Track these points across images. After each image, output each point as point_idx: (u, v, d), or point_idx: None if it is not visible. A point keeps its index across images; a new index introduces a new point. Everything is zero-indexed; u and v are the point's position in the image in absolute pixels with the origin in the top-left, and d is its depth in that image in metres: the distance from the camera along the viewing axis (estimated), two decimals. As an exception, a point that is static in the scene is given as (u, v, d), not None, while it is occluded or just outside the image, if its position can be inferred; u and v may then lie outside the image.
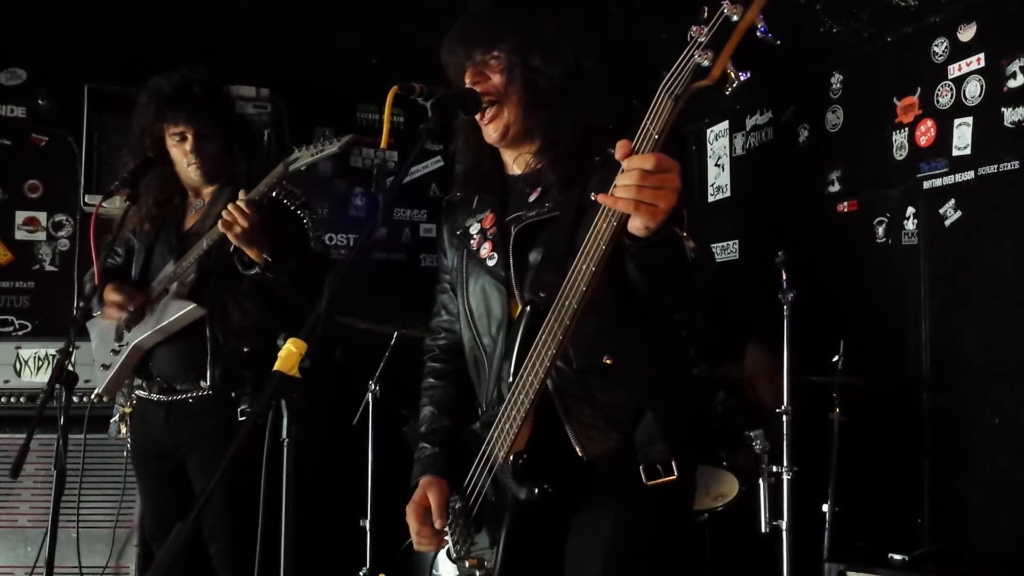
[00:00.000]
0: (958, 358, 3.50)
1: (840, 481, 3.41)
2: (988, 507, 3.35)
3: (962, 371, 3.48)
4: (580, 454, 1.79)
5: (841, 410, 3.48)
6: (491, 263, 1.95)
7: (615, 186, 1.52)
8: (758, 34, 1.44)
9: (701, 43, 1.43)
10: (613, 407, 1.81)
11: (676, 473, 1.77)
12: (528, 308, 1.78)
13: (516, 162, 2.00)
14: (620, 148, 1.52)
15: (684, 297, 1.79)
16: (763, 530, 3.27)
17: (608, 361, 1.80)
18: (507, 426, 1.79)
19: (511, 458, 1.80)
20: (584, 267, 1.62)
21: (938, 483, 3.55)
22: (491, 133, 1.93)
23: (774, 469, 3.30)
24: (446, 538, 1.99)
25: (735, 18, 1.41)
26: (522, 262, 1.87)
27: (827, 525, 3.35)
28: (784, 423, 3.34)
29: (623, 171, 1.51)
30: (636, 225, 1.54)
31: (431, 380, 2.16)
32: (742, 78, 1.45)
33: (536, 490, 1.76)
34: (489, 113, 1.90)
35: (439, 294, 2.19)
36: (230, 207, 2.64)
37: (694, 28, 1.43)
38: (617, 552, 1.80)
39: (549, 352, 1.68)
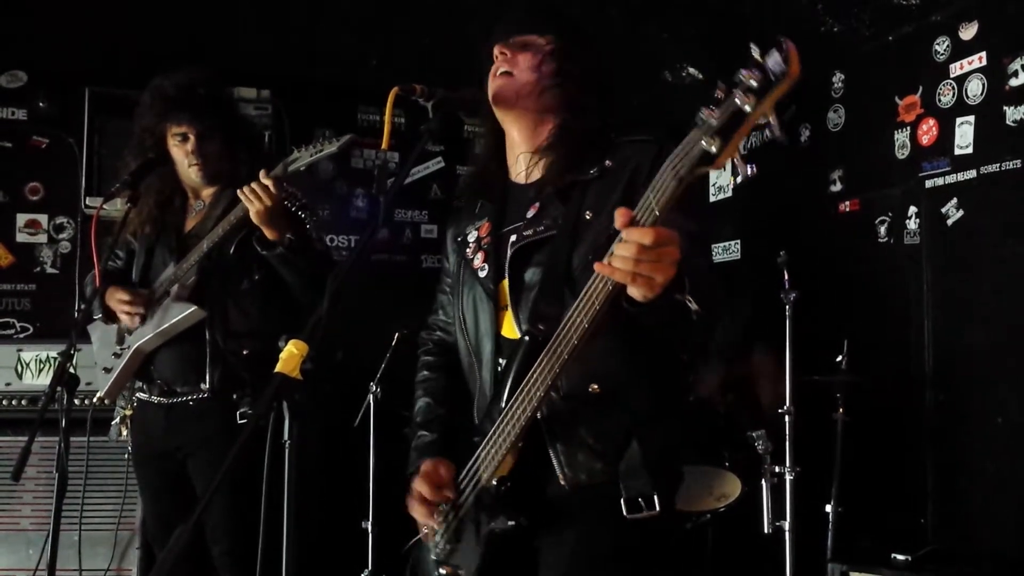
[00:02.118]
0: (961, 357, 3.50)
1: (843, 481, 3.40)
2: (991, 507, 3.34)
3: (965, 370, 3.48)
4: (563, 483, 1.77)
5: (844, 410, 3.47)
6: (482, 274, 1.95)
7: (611, 254, 1.51)
8: (767, 131, 1.42)
9: (712, 127, 1.38)
10: (599, 435, 1.78)
11: (657, 509, 1.74)
12: (527, 339, 1.76)
13: (519, 166, 1.99)
14: (620, 216, 1.49)
15: (687, 342, 1.80)
16: (766, 530, 3.27)
17: (595, 388, 1.78)
18: (493, 451, 1.79)
19: (494, 483, 1.80)
20: (578, 320, 1.62)
21: (941, 483, 3.54)
22: (496, 87, 1.90)
23: (776, 469, 3.29)
24: (435, 527, 1.96)
25: (747, 108, 1.35)
26: (518, 282, 1.86)
27: (830, 525, 3.35)
28: (786, 423, 3.34)
29: (621, 240, 1.49)
30: (634, 293, 1.53)
31: (426, 372, 2.18)
32: (749, 172, 1.41)
33: (510, 522, 1.77)
34: (503, 74, 1.89)
35: (439, 293, 2.20)
36: (252, 185, 2.64)
37: (704, 110, 1.39)
38: (580, 559, 1.78)
39: (539, 390, 1.69)
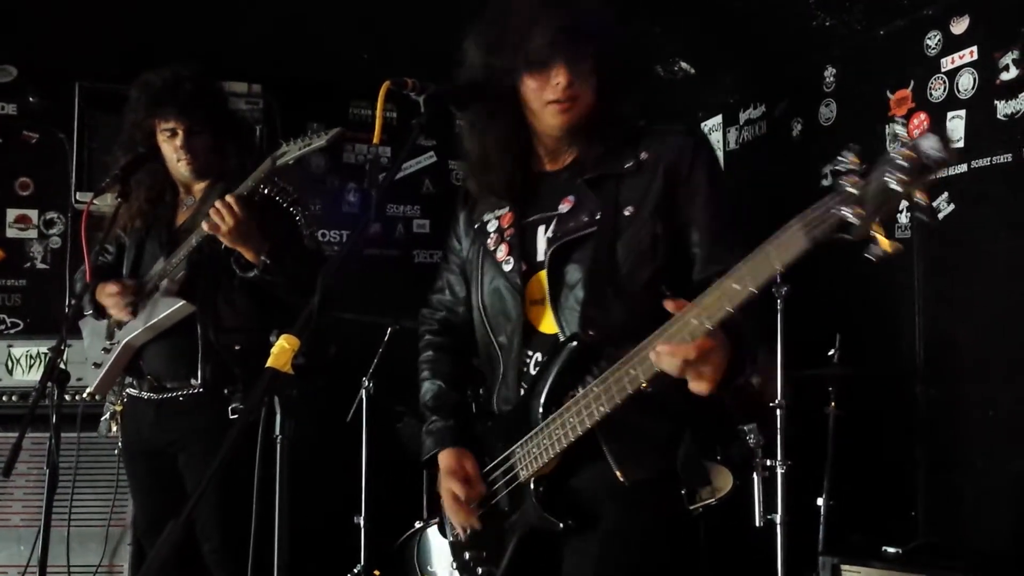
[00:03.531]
0: (952, 351, 3.51)
1: (834, 475, 3.41)
2: (982, 500, 3.35)
3: (956, 364, 3.49)
4: (621, 479, 1.75)
5: (836, 404, 3.48)
6: (507, 268, 1.92)
7: (668, 340, 1.53)
8: (918, 212, 1.38)
9: (855, 196, 1.33)
10: (653, 431, 1.78)
11: (715, 499, 1.79)
12: (574, 343, 1.76)
13: (555, 156, 1.93)
14: (671, 304, 1.53)
15: None
16: (758, 524, 3.27)
17: (646, 386, 1.72)
18: (537, 451, 1.79)
19: (534, 482, 1.80)
20: (633, 372, 1.62)
21: (932, 476, 3.55)
22: (562, 120, 1.83)
23: (768, 463, 3.29)
24: (476, 526, 1.94)
25: (894, 186, 1.30)
26: (558, 278, 1.84)
27: (822, 518, 3.36)
28: (778, 417, 3.34)
29: (677, 326, 1.52)
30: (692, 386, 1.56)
31: (431, 353, 2.13)
32: (890, 251, 1.37)
33: (561, 525, 1.76)
34: (566, 104, 1.80)
35: (446, 273, 2.14)
36: (216, 204, 2.62)
37: (848, 179, 1.34)
38: (611, 550, 1.79)
39: (602, 408, 1.67)
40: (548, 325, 1.86)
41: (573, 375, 1.77)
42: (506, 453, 1.86)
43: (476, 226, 2.03)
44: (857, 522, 3.48)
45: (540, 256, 1.89)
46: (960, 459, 3.44)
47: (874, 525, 3.54)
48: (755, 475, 3.30)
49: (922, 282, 3.62)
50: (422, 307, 2.21)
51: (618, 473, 1.75)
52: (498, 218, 1.98)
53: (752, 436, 3.32)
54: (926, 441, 3.57)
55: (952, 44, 3.52)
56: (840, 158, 1.35)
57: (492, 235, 1.97)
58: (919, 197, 1.31)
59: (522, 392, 1.88)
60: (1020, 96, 3.25)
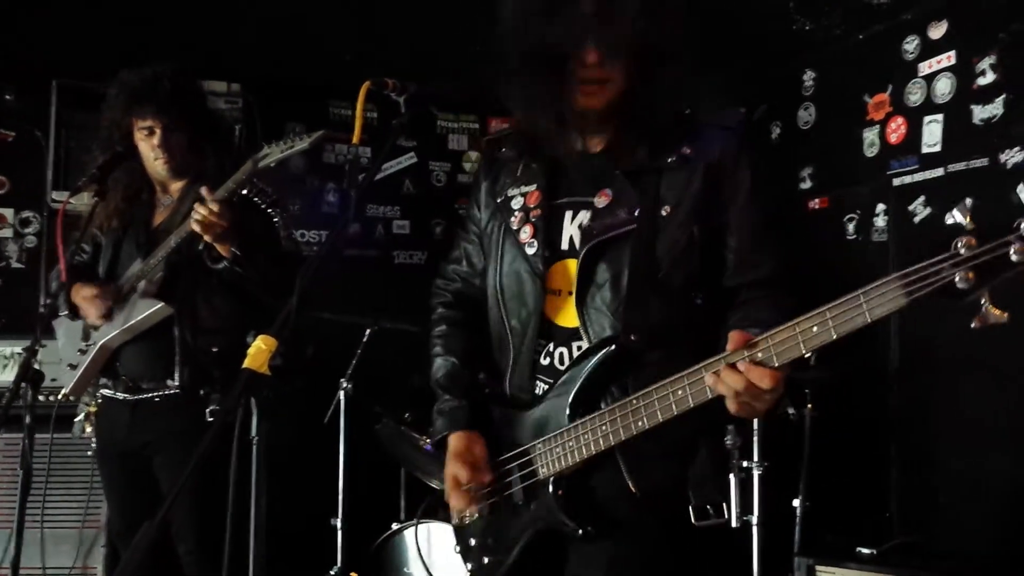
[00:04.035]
0: (926, 353, 3.53)
1: (810, 476, 3.43)
2: (955, 500, 3.38)
3: (930, 367, 3.52)
4: (633, 489, 1.72)
5: (811, 405, 3.50)
6: (530, 251, 1.84)
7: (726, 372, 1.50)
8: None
9: (964, 258, 1.29)
10: (667, 444, 1.71)
11: (725, 517, 1.75)
12: (614, 347, 1.70)
13: (593, 135, 1.84)
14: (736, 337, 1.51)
15: None
16: (734, 524, 3.28)
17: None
18: (560, 452, 1.74)
19: (553, 482, 1.77)
20: (682, 393, 1.59)
21: (906, 477, 3.58)
22: (590, 103, 1.74)
23: (745, 464, 3.31)
24: (471, 515, 1.92)
25: (1015, 258, 1.25)
26: (589, 275, 1.77)
27: (797, 519, 3.38)
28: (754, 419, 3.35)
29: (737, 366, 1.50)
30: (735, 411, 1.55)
31: (445, 327, 2.04)
32: (1000, 321, 1.33)
33: (581, 531, 1.73)
34: (594, 87, 1.72)
35: (464, 242, 2.05)
36: (203, 208, 2.61)
37: (962, 241, 1.29)
38: (619, 560, 1.76)
39: (640, 424, 1.63)
40: (568, 319, 1.80)
41: (607, 379, 1.72)
42: (525, 447, 1.81)
43: (499, 199, 1.93)
44: (832, 523, 3.50)
45: (565, 244, 1.82)
46: (934, 460, 3.47)
47: (849, 526, 3.56)
48: (732, 476, 3.32)
49: (898, 285, 3.65)
50: (438, 278, 2.12)
51: (629, 483, 1.72)
52: (524, 195, 1.89)
53: (729, 438, 3.33)
54: (900, 442, 3.60)
55: (930, 49, 3.56)
56: (953, 214, 1.30)
57: (517, 213, 1.88)
58: None
59: (537, 384, 1.83)
60: (996, 101, 3.28)
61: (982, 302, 1.32)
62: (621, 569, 1.74)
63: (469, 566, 1.93)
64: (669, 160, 1.75)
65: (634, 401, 1.64)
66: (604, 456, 1.71)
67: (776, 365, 1.48)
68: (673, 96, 1.77)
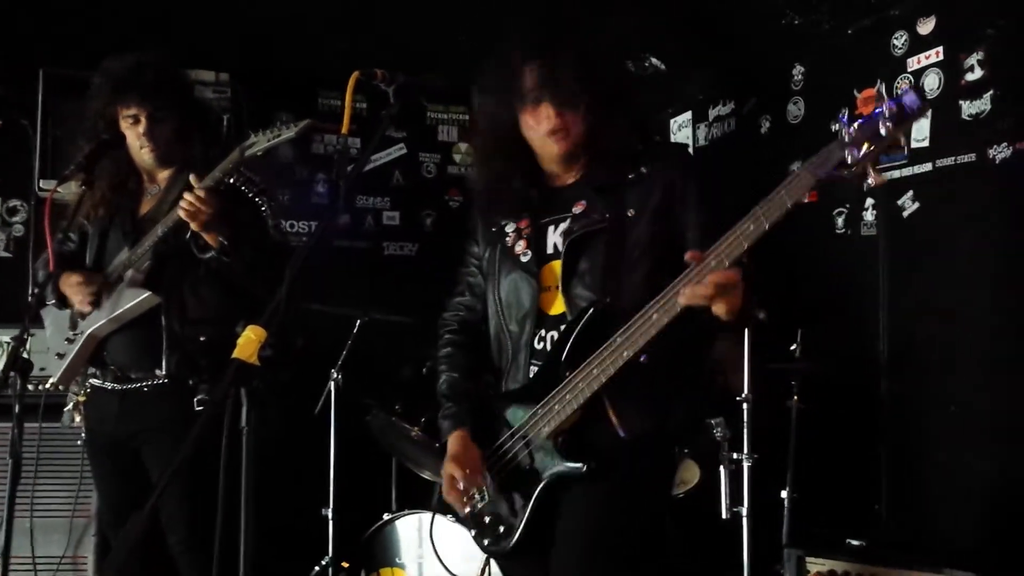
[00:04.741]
0: (915, 347, 3.55)
1: (799, 468, 3.45)
2: (944, 493, 3.40)
3: (919, 359, 3.53)
4: (621, 433, 2.03)
5: (799, 398, 3.51)
6: (524, 259, 2.19)
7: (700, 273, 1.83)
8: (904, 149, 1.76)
9: (847, 142, 1.69)
10: (648, 397, 2.06)
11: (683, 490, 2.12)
12: (592, 309, 2.02)
13: (565, 173, 2.21)
14: (690, 255, 1.86)
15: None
16: (724, 516, 3.30)
17: (644, 359, 1.98)
18: (558, 407, 2.03)
19: (555, 436, 2.05)
20: (655, 316, 1.91)
21: (895, 470, 3.60)
22: (557, 149, 2.12)
23: (734, 456, 3.32)
24: (467, 509, 2.20)
25: (883, 132, 1.66)
26: (572, 267, 2.10)
27: (786, 511, 3.39)
28: (744, 410, 3.37)
29: (699, 268, 1.83)
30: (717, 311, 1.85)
31: (449, 349, 2.36)
32: (881, 183, 1.72)
33: (584, 467, 2.00)
34: (560, 134, 2.09)
35: (466, 276, 2.39)
36: (190, 196, 2.60)
37: (844, 128, 1.70)
38: (609, 512, 2.06)
39: (626, 354, 1.94)
40: (557, 308, 2.13)
41: (592, 335, 2.00)
42: (525, 417, 2.10)
43: (494, 229, 2.28)
44: (821, 514, 3.52)
45: (550, 249, 2.17)
46: (923, 453, 3.49)
47: (838, 517, 3.58)
48: (722, 468, 3.33)
49: (886, 278, 3.66)
50: (445, 312, 2.44)
51: (617, 426, 2.03)
52: (516, 222, 2.24)
53: (719, 429, 3.35)
54: (889, 435, 3.62)
55: (918, 44, 3.56)
56: (840, 115, 1.66)
57: (511, 235, 2.24)
58: (901, 141, 1.68)
59: (532, 368, 2.14)
60: (984, 97, 3.29)
61: (869, 170, 1.70)
62: (609, 499, 2.04)
63: (486, 542, 2.19)
64: (630, 176, 2.12)
65: (616, 339, 1.95)
66: (596, 413, 2.03)
67: (727, 265, 1.81)
68: (626, 125, 2.13)
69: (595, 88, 2.08)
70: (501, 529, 2.14)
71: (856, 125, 1.69)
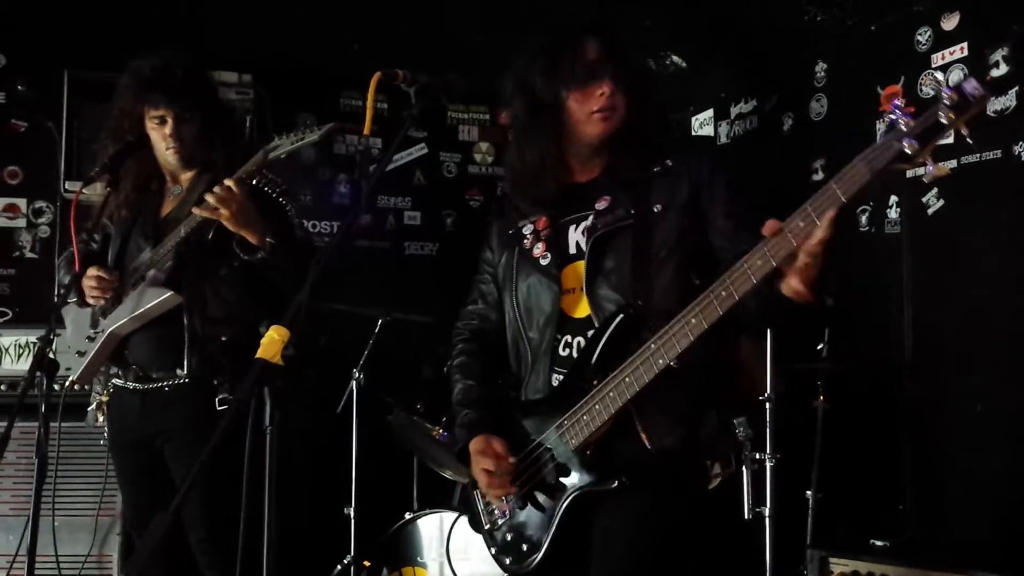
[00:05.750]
0: (940, 346, 3.52)
1: (823, 468, 3.42)
2: (969, 493, 3.37)
3: (944, 359, 3.50)
4: (649, 447, 1.93)
5: (824, 398, 3.49)
6: (544, 262, 2.10)
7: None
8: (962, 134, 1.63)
9: (906, 132, 1.59)
10: (678, 407, 1.97)
11: (733, 467, 2.00)
12: (622, 314, 1.94)
13: (586, 167, 2.13)
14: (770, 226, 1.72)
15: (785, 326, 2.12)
16: (746, 516, 3.29)
17: (674, 364, 1.87)
18: (586, 418, 1.94)
19: (583, 450, 1.95)
20: (723, 292, 1.77)
21: (919, 470, 3.57)
22: (600, 129, 2.04)
23: (757, 456, 3.31)
24: (514, 494, 2.07)
25: (943, 121, 1.57)
26: (596, 267, 2.02)
27: (810, 511, 3.37)
28: (768, 410, 3.35)
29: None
30: (792, 282, 1.73)
31: (464, 358, 2.28)
32: (943, 174, 1.61)
33: (616, 483, 1.91)
34: (608, 112, 2.02)
35: (479, 284, 2.31)
36: (216, 190, 2.60)
37: (903, 120, 1.60)
38: (643, 532, 1.96)
39: (660, 361, 1.84)
40: (581, 310, 2.04)
41: (623, 341, 1.92)
42: (549, 429, 2.00)
43: (511, 232, 2.20)
44: (845, 515, 3.50)
45: (572, 249, 2.08)
46: (947, 453, 3.46)
47: (862, 518, 3.56)
48: (744, 468, 3.32)
49: (911, 277, 3.64)
50: (458, 321, 2.36)
51: (645, 440, 1.93)
52: (533, 223, 2.15)
53: (742, 429, 3.33)
54: (914, 435, 3.59)
55: (943, 40, 3.53)
56: (894, 104, 1.62)
57: (528, 237, 2.15)
58: (963, 130, 1.60)
59: (554, 377, 2.04)
60: (1010, 93, 3.26)
61: (927, 162, 1.60)
62: (645, 519, 1.95)
63: (507, 561, 2.11)
64: (656, 170, 2.06)
65: (651, 346, 1.86)
66: (623, 426, 1.92)
67: (795, 244, 1.70)
68: (657, 118, 2.15)
69: (640, 72, 2.09)
70: (524, 548, 2.05)
71: (912, 119, 1.60)
